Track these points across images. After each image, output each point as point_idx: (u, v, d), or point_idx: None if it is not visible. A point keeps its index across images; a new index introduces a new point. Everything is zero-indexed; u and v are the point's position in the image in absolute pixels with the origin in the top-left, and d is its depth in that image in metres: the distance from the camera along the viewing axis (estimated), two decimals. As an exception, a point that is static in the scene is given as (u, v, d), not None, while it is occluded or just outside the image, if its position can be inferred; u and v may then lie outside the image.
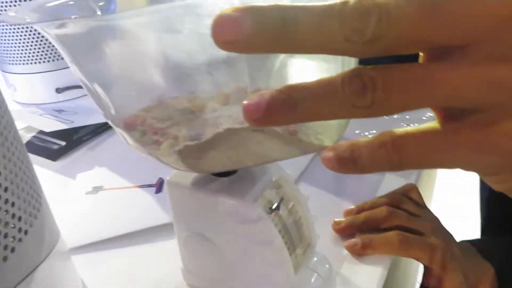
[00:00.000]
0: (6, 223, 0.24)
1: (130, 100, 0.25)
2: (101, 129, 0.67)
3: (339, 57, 0.25)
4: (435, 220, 0.45)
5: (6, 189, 0.24)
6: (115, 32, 0.20)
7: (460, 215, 1.69)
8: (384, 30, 0.14)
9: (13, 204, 0.25)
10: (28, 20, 0.22)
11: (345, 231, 0.43)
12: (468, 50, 0.15)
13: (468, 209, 1.76)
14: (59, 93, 0.79)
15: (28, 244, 0.26)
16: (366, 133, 0.58)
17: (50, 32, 0.20)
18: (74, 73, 0.24)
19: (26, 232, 0.26)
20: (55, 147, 0.64)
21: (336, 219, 0.44)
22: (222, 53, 0.20)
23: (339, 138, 0.28)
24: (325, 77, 0.16)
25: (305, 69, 0.26)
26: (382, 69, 0.15)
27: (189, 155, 0.26)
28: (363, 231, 0.42)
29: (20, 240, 0.25)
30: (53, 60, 0.76)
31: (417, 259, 0.40)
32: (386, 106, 0.15)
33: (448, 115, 0.17)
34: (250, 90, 0.26)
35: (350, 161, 0.17)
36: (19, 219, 0.25)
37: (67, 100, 0.79)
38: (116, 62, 0.23)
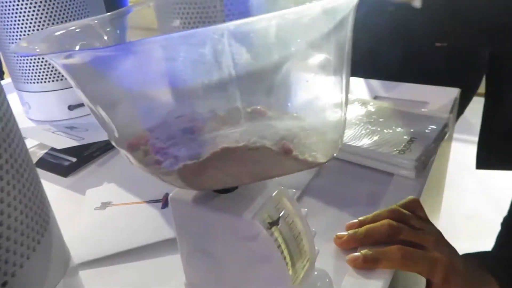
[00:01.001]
0: (7, 250, 0.25)
1: (132, 123, 0.27)
2: (110, 145, 0.69)
3: (342, 70, 0.26)
4: (438, 234, 0.45)
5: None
6: (118, 60, 0.22)
7: (467, 229, 1.67)
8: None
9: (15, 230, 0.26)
10: (38, 51, 0.24)
11: (346, 245, 0.44)
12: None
13: (474, 223, 1.73)
14: (71, 110, 0.82)
15: (32, 270, 0.27)
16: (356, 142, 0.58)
17: (57, 62, 0.22)
18: (81, 98, 0.26)
19: (28, 257, 0.27)
20: (66, 163, 0.66)
21: (338, 233, 0.45)
22: (214, 79, 0.22)
23: (333, 156, 0.29)
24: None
25: (305, 84, 0.27)
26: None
27: (189, 174, 0.27)
28: (365, 245, 0.43)
29: (21, 266, 0.26)
30: (66, 78, 0.79)
31: (419, 273, 0.41)
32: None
33: None
34: (247, 111, 0.28)
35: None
36: (21, 244, 0.26)
37: (79, 117, 0.82)
38: (119, 88, 0.24)
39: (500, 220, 0.92)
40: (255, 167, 0.27)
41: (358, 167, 0.58)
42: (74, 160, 0.66)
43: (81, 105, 0.81)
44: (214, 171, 0.27)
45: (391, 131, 0.62)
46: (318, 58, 0.23)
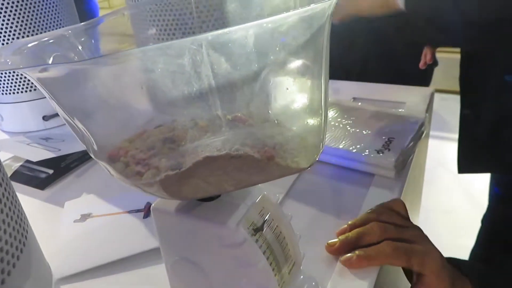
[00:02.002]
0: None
1: (111, 134, 0.26)
2: (88, 155, 0.68)
3: (321, 76, 0.26)
4: (421, 230, 0.46)
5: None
6: (95, 73, 0.22)
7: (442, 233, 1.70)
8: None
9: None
10: (10, 65, 0.23)
11: (340, 251, 0.43)
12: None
13: (453, 218, 1.78)
14: (46, 120, 0.80)
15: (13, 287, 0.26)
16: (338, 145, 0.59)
17: (32, 75, 0.21)
18: (58, 111, 0.25)
19: (9, 273, 0.26)
20: (43, 175, 0.64)
21: (330, 241, 0.44)
22: (194, 89, 0.22)
23: (315, 160, 0.29)
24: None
25: (285, 92, 0.27)
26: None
27: (171, 184, 0.26)
28: (357, 248, 0.43)
29: (2, 282, 0.25)
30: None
31: (410, 267, 0.40)
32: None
33: None
34: (228, 118, 0.27)
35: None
36: None
37: (54, 127, 0.80)
38: (96, 100, 0.24)
39: (477, 214, 0.95)
40: (238, 174, 0.27)
41: (338, 169, 0.59)
42: (51, 172, 0.64)
43: (57, 115, 0.80)
44: (196, 181, 0.26)
45: (369, 132, 0.63)
46: (297, 65, 0.24)
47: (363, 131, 0.63)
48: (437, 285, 0.41)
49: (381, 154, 0.57)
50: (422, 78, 1.17)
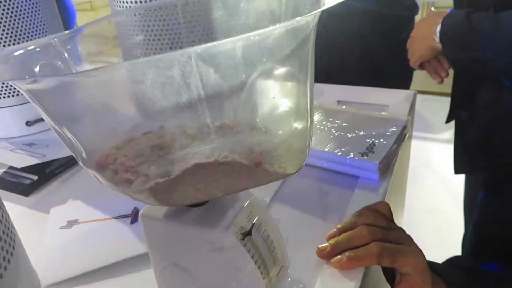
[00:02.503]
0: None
1: (100, 142, 0.26)
2: (74, 161, 0.67)
3: (307, 84, 0.27)
4: (405, 232, 0.47)
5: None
6: (85, 84, 0.22)
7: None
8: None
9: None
10: (-2, 76, 0.23)
11: (332, 255, 0.43)
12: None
13: (436, 216, 1.81)
14: (29, 126, 0.79)
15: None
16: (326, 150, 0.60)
17: (21, 87, 0.21)
18: (46, 121, 0.25)
19: None
20: (27, 182, 0.63)
21: (320, 246, 0.45)
22: (184, 99, 0.22)
23: (302, 166, 0.30)
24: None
25: (271, 98, 0.28)
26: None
27: (160, 191, 0.27)
28: (346, 250, 0.43)
29: None
30: (22, 94, 0.76)
31: (398, 267, 0.41)
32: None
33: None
34: (216, 125, 0.28)
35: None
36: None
37: (38, 132, 0.79)
38: (85, 110, 0.24)
39: (460, 213, 0.97)
40: (227, 181, 0.28)
41: (324, 172, 0.60)
42: (36, 178, 0.64)
43: (40, 120, 0.79)
44: (186, 187, 0.27)
45: (354, 135, 0.65)
46: (283, 75, 0.24)
47: (348, 134, 0.65)
48: (421, 284, 0.42)
49: (365, 157, 0.58)
50: (403, 79, 1.19)
